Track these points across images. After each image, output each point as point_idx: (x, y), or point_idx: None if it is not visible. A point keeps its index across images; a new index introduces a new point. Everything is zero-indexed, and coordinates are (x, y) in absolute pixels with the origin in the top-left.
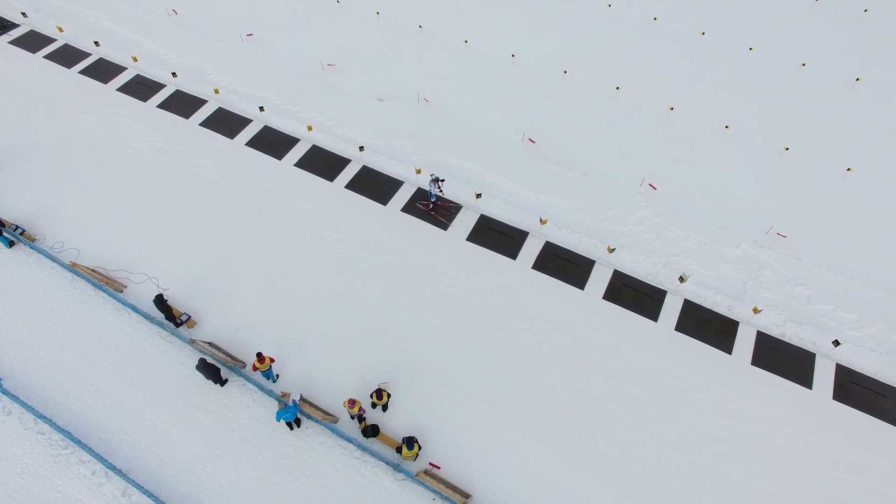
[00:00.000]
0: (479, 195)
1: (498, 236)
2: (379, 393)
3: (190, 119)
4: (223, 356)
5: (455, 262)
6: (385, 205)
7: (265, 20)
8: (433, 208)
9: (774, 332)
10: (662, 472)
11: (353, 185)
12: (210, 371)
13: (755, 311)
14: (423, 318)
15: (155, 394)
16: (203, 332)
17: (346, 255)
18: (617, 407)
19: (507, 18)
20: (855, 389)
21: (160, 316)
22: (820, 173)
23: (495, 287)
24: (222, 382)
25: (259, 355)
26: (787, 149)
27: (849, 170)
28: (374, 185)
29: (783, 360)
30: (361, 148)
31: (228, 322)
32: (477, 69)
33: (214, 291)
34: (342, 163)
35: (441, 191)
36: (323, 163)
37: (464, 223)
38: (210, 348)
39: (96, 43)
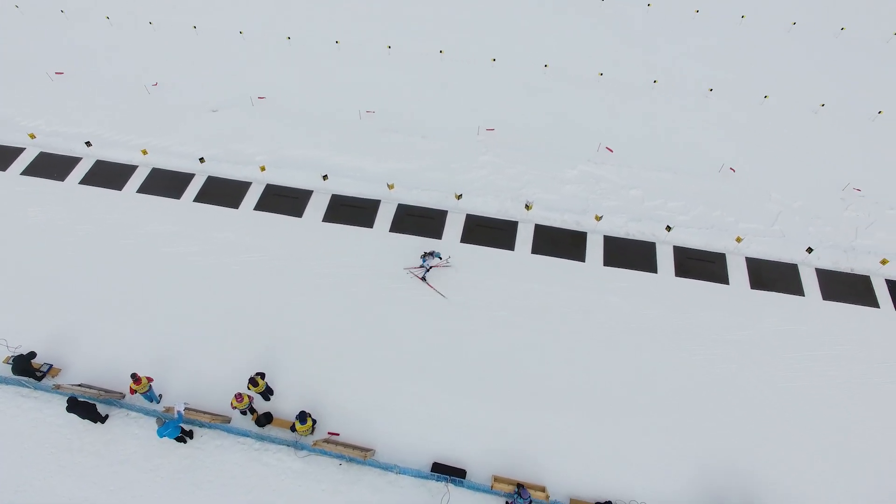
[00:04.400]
0: (325, 176)
1: (352, 211)
2: (253, 381)
3: (8, 171)
4: (97, 392)
5: (315, 245)
6: (237, 208)
7: (73, 53)
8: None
9: (619, 233)
10: (542, 378)
11: (202, 198)
12: (85, 409)
13: (597, 218)
14: (293, 303)
15: (29, 454)
16: (71, 377)
17: (207, 263)
18: (490, 335)
19: (327, 9)
20: (691, 263)
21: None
22: (632, 91)
23: (356, 258)
24: (102, 419)
25: (134, 376)
26: (602, 74)
27: (654, 81)
28: (223, 193)
29: (630, 255)
30: (202, 160)
31: (98, 359)
32: (305, 61)
33: (75, 334)
34: (186, 178)
35: (430, 266)
36: (167, 183)
37: (317, 206)
38: (81, 389)
39: None
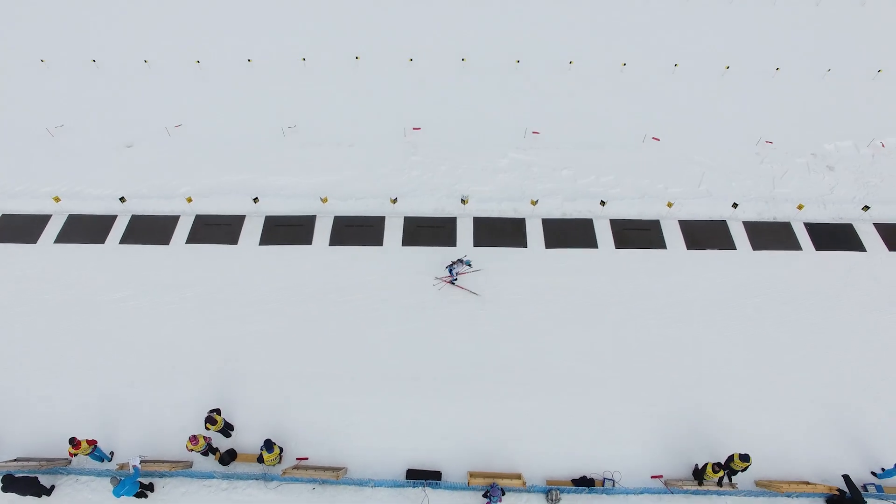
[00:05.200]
0: (255, 199)
1: (288, 230)
2: (210, 419)
3: None
4: (38, 464)
5: (255, 270)
6: (168, 244)
7: None
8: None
9: (556, 214)
10: (501, 369)
11: (128, 238)
12: (24, 485)
13: (533, 203)
14: (240, 332)
15: None
16: (4, 453)
17: (143, 306)
18: (442, 334)
19: (235, 28)
20: (629, 234)
21: None
22: (550, 74)
23: (299, 277)
24: (47, 491)
25: (72, 441)
26: (519, 61)
27: (570, 62)
28: (151, 230)
29: (569, 234)
30: (123, 199)
31: (34, 427)
32: (218, 83)
33: (2, 405)
34: (107, 221)
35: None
36: (87, 229)
37: (251, 231)
38: (18, 464)
39: None
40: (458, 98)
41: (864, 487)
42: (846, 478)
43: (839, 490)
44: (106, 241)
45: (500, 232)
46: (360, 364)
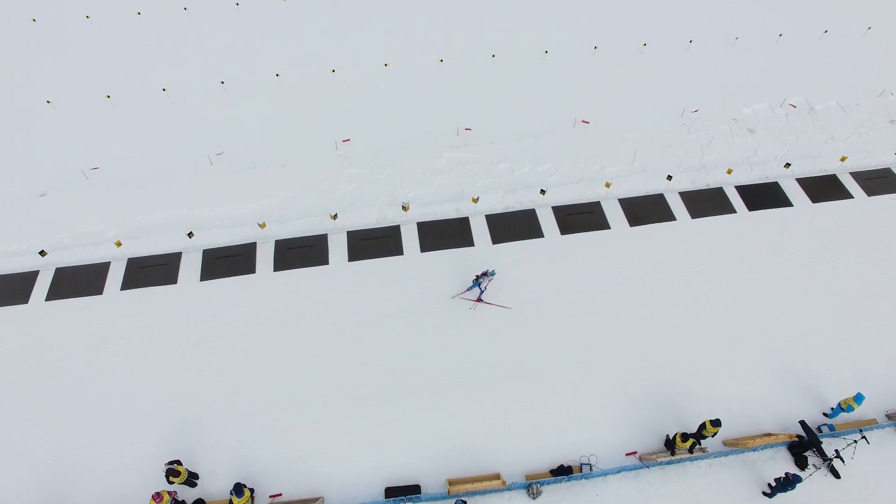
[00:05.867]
0: (190, 234)
1: (228, 261)
2: (171, 471)
3: None
4: None
5: (198, 307)
6: (101, 293)
7: None
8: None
9: (498, 209)
10: (463, 370)
11: (55, 294)
12: None
13: (474, 201)
14: (192, 375)
15: None
16: None
17: (82, 364)
18: (397, 344)
19: (144, 57)
20: (572, 219)
21: None
22: (474, 69)
23: (245, 308)
24: None
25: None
26: (442, 60)
27: (493, 55)
28: (81, 282)
29: (514, 227)
30: (43, 253)
31: None
32: (133, 118)
33: None
34: (29, 278)
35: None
36: (6, 289)
37: (190, 267)
38: None
39: None
40: (386, 104)
41: (819, 429)
42: (802, 423)
43: (798, 436)
44: (30, 301)
45: (445, 234)
46: (322, 388)
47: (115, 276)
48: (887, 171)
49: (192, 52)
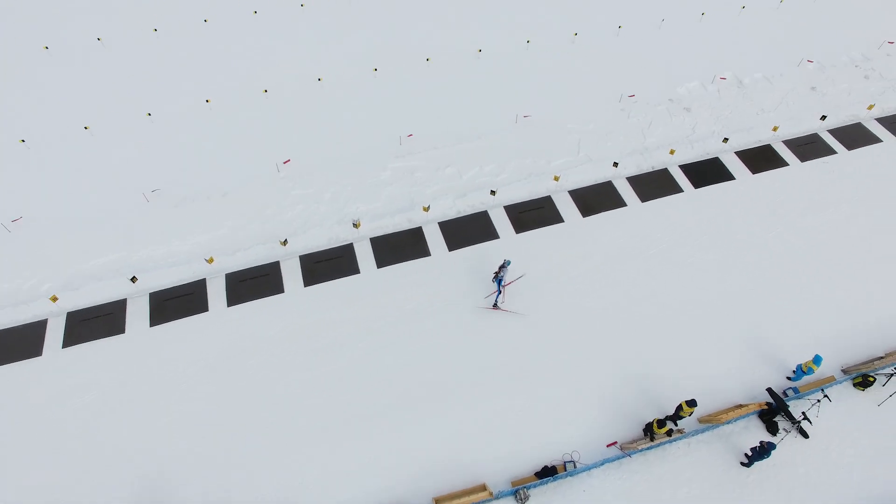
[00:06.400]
0: (133, 278)
1: (178, 302)
2: None
3: None
4: None
5: (151, 354)
6: (41, 355)
7: None
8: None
9: (451, 214)
10: (435, 384)
11: None
12: None
13: (425, 209)
14: (151, 428)
15: None
16: None
17: (28, 433)
18: (362, 366)
19: (61, 95)
20: (525, 216)
21: None
22: (408, 74)
23: (201, 350)
24: None
25: None
26: (376, 69)
27: (427, 59)
28: (15, 344)
29: (469, 231)
30: None
31: None
32: (53, 160)
33: None
34: None
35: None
36: None
37: (137, 314)
38: None
39: None
40: (325, 119)
41: (785, 394)
42: (769, 391)
43: (767, 403)
44: None
45: (400, 247)
46: (291, 420)
47: (55, 333)
48: (815, 136)
49: (112, 86)
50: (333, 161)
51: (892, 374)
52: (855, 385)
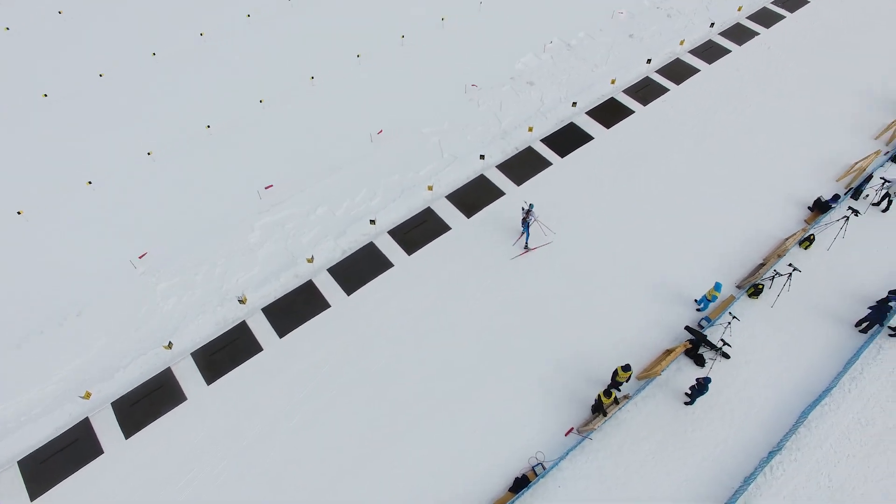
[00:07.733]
0: None
1: (63, 456)
2: None
3: None
4: None
5: None
6: None
7: None
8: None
9: (337, 257)
10: (368, 422)
11: None
12: None
13: (309, 260)
14: None
15: None
16: None
17: None
18: (300, 445)
19: None
20: (411, 235)
21: None
22: (242, 128)
23: (107, 497)
24: None
25: None
26: (209, 126)
27: (261, 101)
28: None
29: (361, 269)
30: None
31: None
32: None
33: None
34: None
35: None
36: None
37: (11, 487)
38: None
39: None
40: (172, 194)
41: (700, 325)
42: (687, 328)
43: (689, 341)
44: None
45: (295, 307)
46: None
47: None
48: (647, 79)
49: None
50: (192, 239)
51: (773, 276)
52: (749, 296)
